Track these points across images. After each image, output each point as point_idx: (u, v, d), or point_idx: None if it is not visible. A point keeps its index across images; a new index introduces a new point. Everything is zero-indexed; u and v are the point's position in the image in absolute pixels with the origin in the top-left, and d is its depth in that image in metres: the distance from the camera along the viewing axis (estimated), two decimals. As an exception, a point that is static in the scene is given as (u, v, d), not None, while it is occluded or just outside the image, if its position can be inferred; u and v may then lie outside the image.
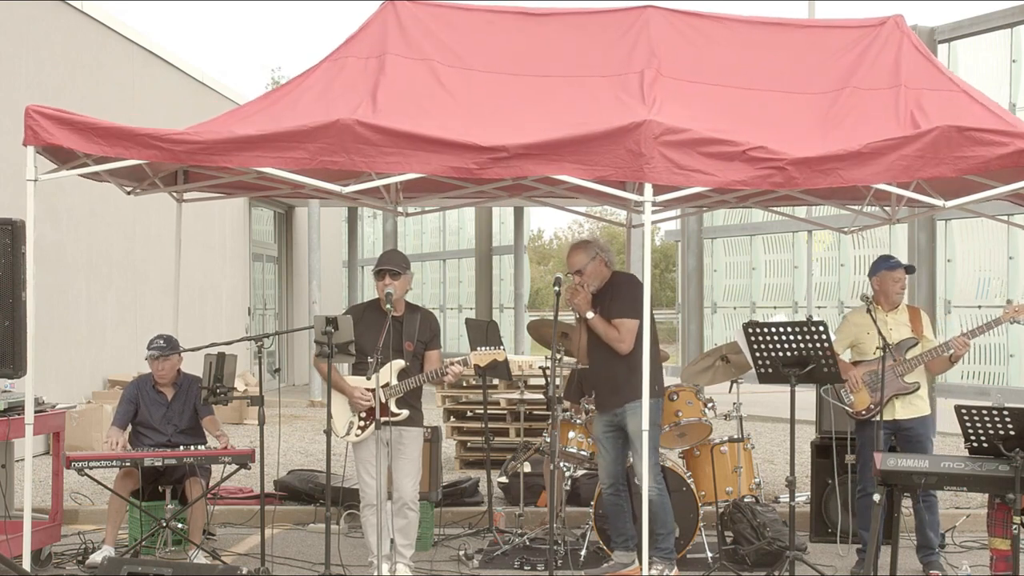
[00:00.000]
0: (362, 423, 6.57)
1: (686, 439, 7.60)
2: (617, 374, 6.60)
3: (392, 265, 6.53)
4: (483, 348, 6.67)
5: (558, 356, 6.56)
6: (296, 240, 20.65)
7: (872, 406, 6.81)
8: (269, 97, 6.87)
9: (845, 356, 7.04)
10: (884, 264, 7.08)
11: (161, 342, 7.31)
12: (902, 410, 6.85)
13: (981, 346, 13.32)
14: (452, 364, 6.58)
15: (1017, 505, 5.40)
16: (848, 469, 7.48)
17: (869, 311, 6.75)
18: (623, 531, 6.87)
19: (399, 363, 6.56)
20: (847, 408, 6.94)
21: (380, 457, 6.43)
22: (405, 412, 6.57)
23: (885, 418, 6.77)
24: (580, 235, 55.47)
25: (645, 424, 6.12)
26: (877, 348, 6.70)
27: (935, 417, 13.38)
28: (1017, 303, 6.71)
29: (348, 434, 6.61)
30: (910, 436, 6.88)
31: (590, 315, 6.65)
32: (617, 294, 6.69)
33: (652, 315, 6.44)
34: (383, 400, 6.48)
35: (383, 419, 6.45)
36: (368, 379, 6.48)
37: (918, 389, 6.86)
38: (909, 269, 7.15)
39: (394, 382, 6.55)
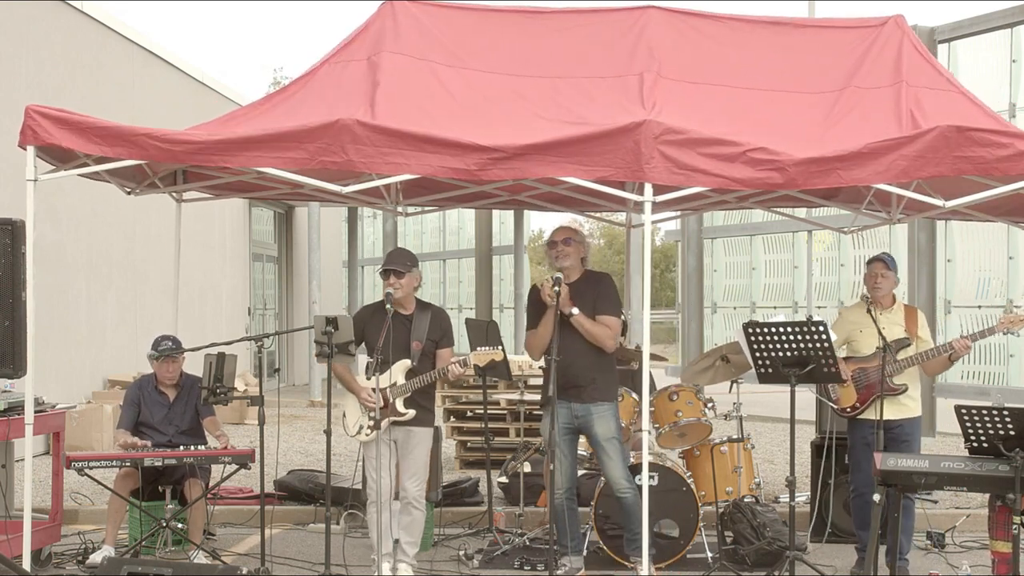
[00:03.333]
0: (371, 423, 6.57)
1: (686, 439, 7.60)
2: (589, 372, 6.54)
3: (395, 264, 6.54)
4: (482, 348, 6.68)
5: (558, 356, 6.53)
6: (296, 240, 20.65)
7: (858, 404, 6.79)
8: (270, 100, 6.86)
9: (839, 353, 7.02)
10: (867, 263, 7.06)
11: (169, 343, 7.29)
12: (888, 410, 6.73)
13: (981, 346, 13.31)
14: (452, 364, 6.58)
15: (1017, 506, 5.40)
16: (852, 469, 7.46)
17: (869, 311, 6.74)
18: (576, 534, 6.84)
19: (405, 363, 6.56)
20: (832, 405, 6.91)
21: (381, 456, 6.44)
22: (412, 412, 6.57)
23: (873, 417, 6.74)
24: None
25: (645, 424, 6.14)
26: (878, 347, 6.68)
27: (935, 417, 13.47)
28: (1013, 313, 6.67)
29: (359, 434, 6.62)
30: (897, 436, 6.79)
31: (575, 311, 6.53)
32: (602, 292, 6.66)
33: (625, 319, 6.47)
34: (390, 400, 6.49)
35: (390, 419, 6.45)
36: (368, 379, 6.49)
37: (906, 391, 6.83)
38: (888, 261, 6.98)
39: (401, 381, 6.55)
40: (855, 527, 7.08)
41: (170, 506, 7.08)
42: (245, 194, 8.48)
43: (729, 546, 7.31)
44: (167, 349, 7.23)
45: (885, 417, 6.75)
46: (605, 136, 5.95)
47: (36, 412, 6.47)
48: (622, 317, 6.91)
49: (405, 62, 6.71)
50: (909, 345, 6.81)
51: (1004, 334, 6.70)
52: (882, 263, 6.96)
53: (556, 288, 6.43)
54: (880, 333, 6.63)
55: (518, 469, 8.07)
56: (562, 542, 6.77)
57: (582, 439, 7.00)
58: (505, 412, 10.22)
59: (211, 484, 7.35)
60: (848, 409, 6.85)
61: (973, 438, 5.57)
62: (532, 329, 6.77)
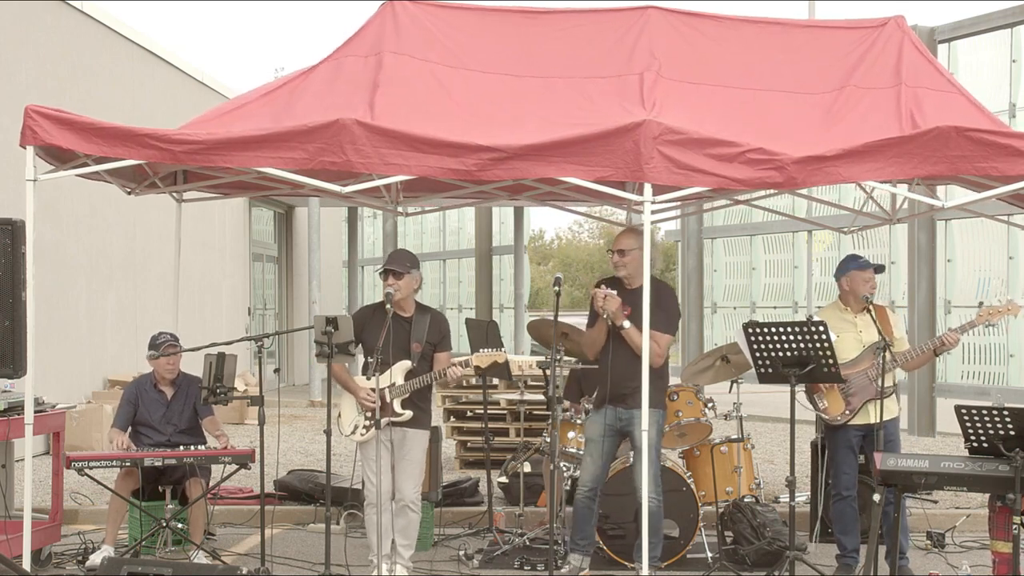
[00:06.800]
0: (367, 423, 6.56)
1: (686, 439, 7.60)
2: (636, 380, 6.33)
3: (394, 265, 6.53)
4: (485, 350, 6.68)
5: (558, 356, 6.53)
6: (296, 240, 20.65)
7: (847, 411, 6.73)
8: (269, 94, 6.83)
9: None
10: (853, 263, 6.91)
11: (169, 336, 7.34)
12: (875, 413, 6.67)
13: (981, 346, 13.32)
14: (453, 366, 6.57)
15: (1017, 506, 5.40)
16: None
17: (869, 311, 6.72)
18: (588, 534, 6.82)
19: (405, 364, 6.56)
20: (822, 414, 6.82)
21: (380, 457, 6.44)
22: (409, 413, 6.56)
23: (860, 422, 6.71)
24: (581, 235, 55.52)
25: (645, 424, 6.14)
26: (876, 347, 6.65)
27: (935, 417, 13.45)
28: (988, 306, 6.64)
29: (353, 433, 6.62)
30: (882, 436, 6.76)
31: (626, 324, 6.47)
32: (659, 306, 6.43)
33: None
34: (387, 400, 6.49)
35: (387, 419, 6.45)
36: (368, 379, 6.49)
37: (893, 393, 6.80)
38: (879, 269, 6.95)
39: (400, 382, 6.55)
40: (836, 532, 6.94)
41: (170, 506, 7.08)
42: (245, 194, 8.49)
43: (729, 546, 7.31)
44: (166, 342, 7.27)
45: (871, 421, 6.68)
46: (605, 136, 5.95)
47: (36, 412, 6.47)
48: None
49: (405, 62, 6.70)
50: (891, 346, 6.75)
51: (985, 326, 6.66)
52: (875, 271, 6.89)
53: (556, 288, 6.42)
54: (880, 333, 6.61)
55: (518, 469, 8.07)
56: (574, 538, 6.78)
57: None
58: (505, 412, 10.22)
59: (211, 484, 7.35)
60: (838, 417, 6.77)
61: (973, 438, 5.57)
62: (590, 328, 6.79)
